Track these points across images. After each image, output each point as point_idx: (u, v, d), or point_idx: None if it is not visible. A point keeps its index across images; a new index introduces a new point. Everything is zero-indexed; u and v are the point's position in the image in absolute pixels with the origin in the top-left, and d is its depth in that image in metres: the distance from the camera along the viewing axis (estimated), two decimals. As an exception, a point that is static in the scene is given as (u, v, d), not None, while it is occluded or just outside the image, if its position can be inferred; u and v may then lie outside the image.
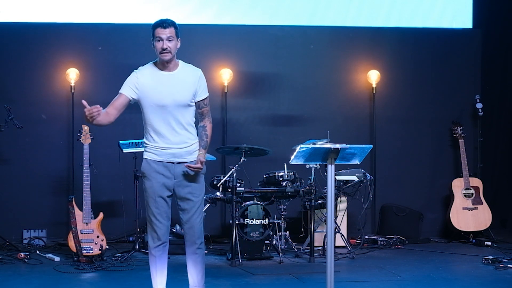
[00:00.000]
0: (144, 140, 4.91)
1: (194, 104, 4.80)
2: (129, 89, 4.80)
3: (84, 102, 4.57)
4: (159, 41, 4.73)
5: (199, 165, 4.72)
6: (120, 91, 4.83)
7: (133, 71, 4.86)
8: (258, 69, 8.52)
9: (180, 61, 4.85)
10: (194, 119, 4.85)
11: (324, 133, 7.26)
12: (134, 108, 8.20)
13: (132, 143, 7.25)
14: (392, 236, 8.02)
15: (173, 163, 4.77)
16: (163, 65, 4.79)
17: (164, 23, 4.75)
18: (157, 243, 4.78)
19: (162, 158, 4.78)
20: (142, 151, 7.21)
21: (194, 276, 4.85)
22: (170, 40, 4.72)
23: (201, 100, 4.82)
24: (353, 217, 7.87)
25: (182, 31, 8.88)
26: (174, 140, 4.77)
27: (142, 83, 4.77)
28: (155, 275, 4.85)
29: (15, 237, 7.66)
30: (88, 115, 4.52)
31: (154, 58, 8.49)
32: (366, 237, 7.89)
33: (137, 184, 7.26)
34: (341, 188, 7.51)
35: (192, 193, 4.78)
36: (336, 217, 7.40)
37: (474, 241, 8.06)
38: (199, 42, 8.37)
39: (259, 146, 7.20)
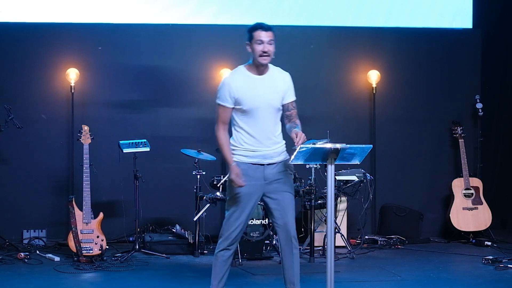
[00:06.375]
0: (232, 142, 4.85)
1: (281, 107, 4.83)
2: (226, 101, 4.75)
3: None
4: (260, 44, 4.71)
5: (300, 137, 4.62)
6: (220, 102, 4.78)
7: (223, 79, 4.84)
8: (258, 69, 8.50)
9: (270, 64, 4.83)
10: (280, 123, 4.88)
11: (324, 133, 7.26)
12: (134, 108, 8.28)
13: (132, 143, 7.24)
14: (392, 236, 8.02)
15: (263, 164, 4.77)
16: (256, 69, 4.78)
17: (265, 26, 4.75)
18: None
19: (252, 160, 4.76)
20: (142, 151, 7.32)
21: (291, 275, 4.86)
22: (270, 44, 4.73)
23: (290, 103, 4.85)
24: (353, 217, 7.87)
25: (182, 31, 8.92)
26: (265, 143, 4.76)
27: (236, 90, 4.73)
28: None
29: (15, 237, 7.66)
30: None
31: (154, 58, 8.55)
32: (366, 237, 7.89)
33: (137, 184, 7.25)
34: (341, 188, 7.50)
35: (283, 191, 4.81)
36: (336, 217, 7.40)
37: (474, 241, 8.05)
38: (198, 42, 8.37)
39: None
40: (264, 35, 4.72)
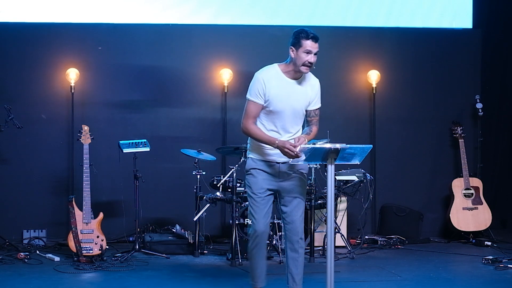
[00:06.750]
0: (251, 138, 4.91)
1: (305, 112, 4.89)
2: (258, 97, 4.81)
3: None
4: (307, 53, 4.74)
5: (298, 141, 4.66)
6: (251, 98, 4.83)
7: (256, 74, 4.88)
8: (258, 69, 8.41)
9: None
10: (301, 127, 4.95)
11: (324, 133, 7.26)
12: (134, 108, 8.28)
13: (132, 143, 7.24)
14: (392, 236, 8.02)
15: (278, 163, 4.81)
16: (293, 73, 4.81)
17: (316, 37, 4.80)
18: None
19: (269, 157, 4.82)
20: (142, 151, 7.32)
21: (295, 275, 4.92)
22: (315, 55, 4.77)
23: (313, 110, 4.94)
24: (353, 217, 7.87)
25: (182, 31, 8.91)
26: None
27: (268, 89, 4.78)
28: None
29: (15, 237, 7.66)
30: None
31: (154, 58, 8.55)
32: (366, 237, 7.89)
33: (137, 184, 7.25)
34: (341, 188, 7.50)
35: (294, 196, 4.85)
36: (336, 217, 7.40)
37: (474, 241, 8.05)
38: (198, 42, 8.37)
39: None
40: (313, 46, 4.78)
